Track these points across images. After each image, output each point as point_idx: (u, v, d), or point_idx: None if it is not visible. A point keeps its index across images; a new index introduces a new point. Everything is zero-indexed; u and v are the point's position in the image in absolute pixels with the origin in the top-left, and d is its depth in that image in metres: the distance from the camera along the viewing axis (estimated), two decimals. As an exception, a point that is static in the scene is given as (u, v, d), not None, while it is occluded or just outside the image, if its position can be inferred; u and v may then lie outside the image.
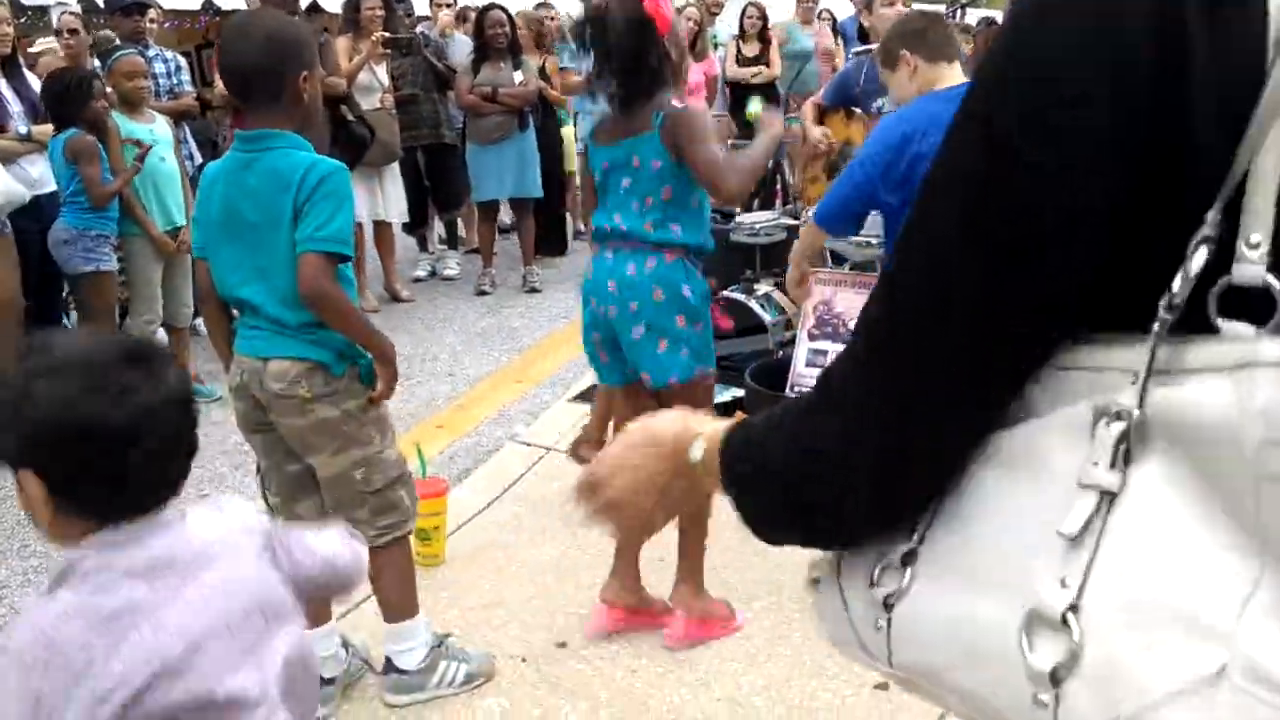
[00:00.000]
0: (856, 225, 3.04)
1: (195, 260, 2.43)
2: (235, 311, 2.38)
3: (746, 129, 7.97)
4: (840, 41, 8.44)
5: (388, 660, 2.52)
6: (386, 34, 6.07)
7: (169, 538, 1.19)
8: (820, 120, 4.59)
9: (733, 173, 2.49)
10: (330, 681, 2.50)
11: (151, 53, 5.53)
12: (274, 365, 2.25)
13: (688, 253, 2.56)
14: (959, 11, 7.47)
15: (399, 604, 2.50)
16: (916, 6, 4.22)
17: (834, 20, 8.99)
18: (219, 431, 4.53)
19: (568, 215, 8.10)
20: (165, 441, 1.17)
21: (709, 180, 2.48)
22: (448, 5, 7.32)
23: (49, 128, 4.58)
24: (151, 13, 5.75)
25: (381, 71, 6.23)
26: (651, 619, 2.77)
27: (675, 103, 2.49)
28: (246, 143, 2.24)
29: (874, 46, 4.27)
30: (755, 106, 2.77)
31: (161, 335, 4.95)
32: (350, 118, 5.66)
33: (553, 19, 7.53)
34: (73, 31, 5.28)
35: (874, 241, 3.99)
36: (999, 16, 11.84)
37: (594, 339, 2.69)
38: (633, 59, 2.48)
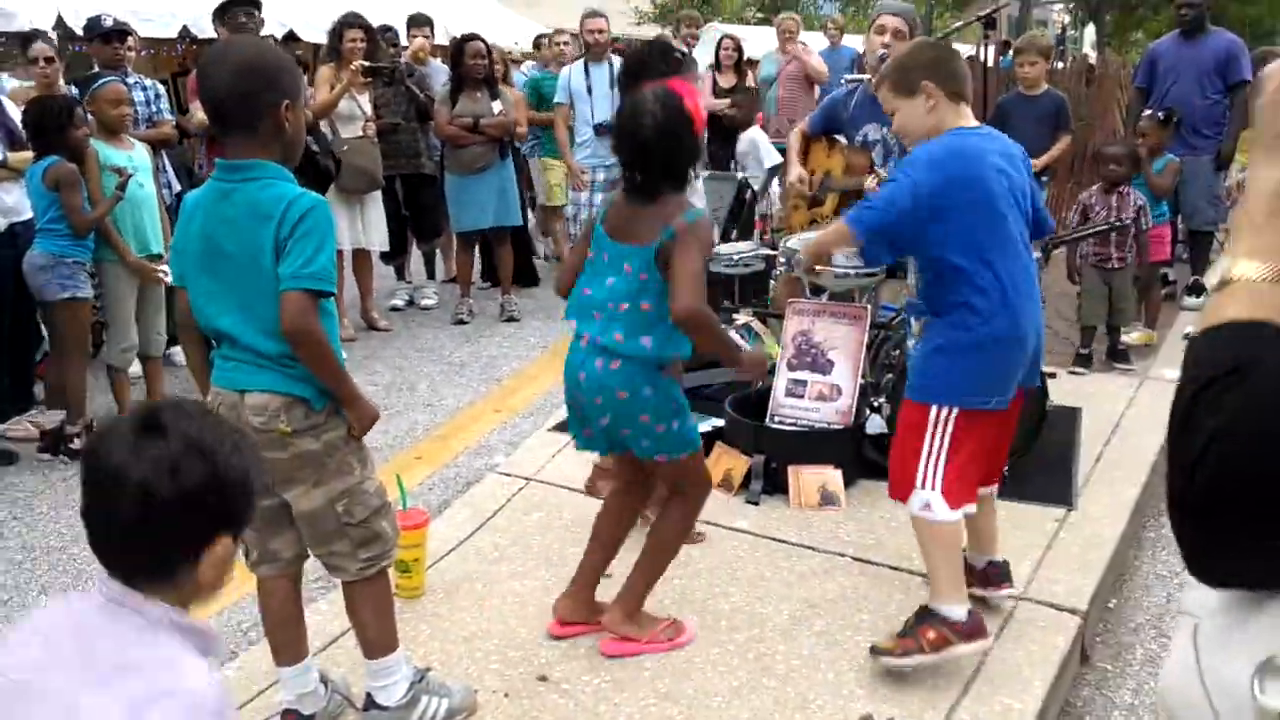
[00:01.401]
0: (893, 252, 2.78)
1: (175, 289, 2.40)
2: (214, 342, 2.36)
3: (719, 163, 8.06)
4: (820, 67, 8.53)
5: (368, 696, 2.49)
6: (365, 63, 6.09)
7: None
8: (806, 148, 4.61)
9: (700, 303, 2.43)
10: (310, 719, 2.47)
11: (131, 80, 5.51)
12: (253, 398, 2.22)
13: (652, 359, 2.57)
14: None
15: (379, 639, 2.47)
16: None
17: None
18: (194, 462, 4.49)
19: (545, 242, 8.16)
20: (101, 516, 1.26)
21: (678, 288, 2.44)
22: (424, 35, 7.35)
23: (27, 155, 4.55)
24: (130, 40, 5.74)
25: (364, 100, 6.24)
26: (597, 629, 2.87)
27: (699, 203, 2.55)
28: (226, 172, 2.21)
29: (863, 76, 4.30)
30: (769, 346, 2.84)
31: (136, 365, 4.90)
32: (315, 149, 5.61)
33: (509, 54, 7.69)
34: (49, 60, 5.25)
35: (852, 272, 4.02)
36: (968, 50, 12.00)
37: (575, 415, 2.75)
38: (663, 153, 2.50)
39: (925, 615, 2.64)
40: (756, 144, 7.24)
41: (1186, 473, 0.85)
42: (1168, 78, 6.44)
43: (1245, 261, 0.89)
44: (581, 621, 2.88)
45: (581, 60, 6.72)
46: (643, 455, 2.66)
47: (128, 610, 1.24)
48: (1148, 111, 5.99)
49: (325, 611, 2.98)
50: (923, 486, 2.62)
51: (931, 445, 2.61)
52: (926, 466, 2.62)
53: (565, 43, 7.77)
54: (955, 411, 2.59)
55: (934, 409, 2.61)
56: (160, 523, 1.22)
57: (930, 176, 2.51)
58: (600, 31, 6.60)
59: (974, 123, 2.68)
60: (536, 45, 9.95)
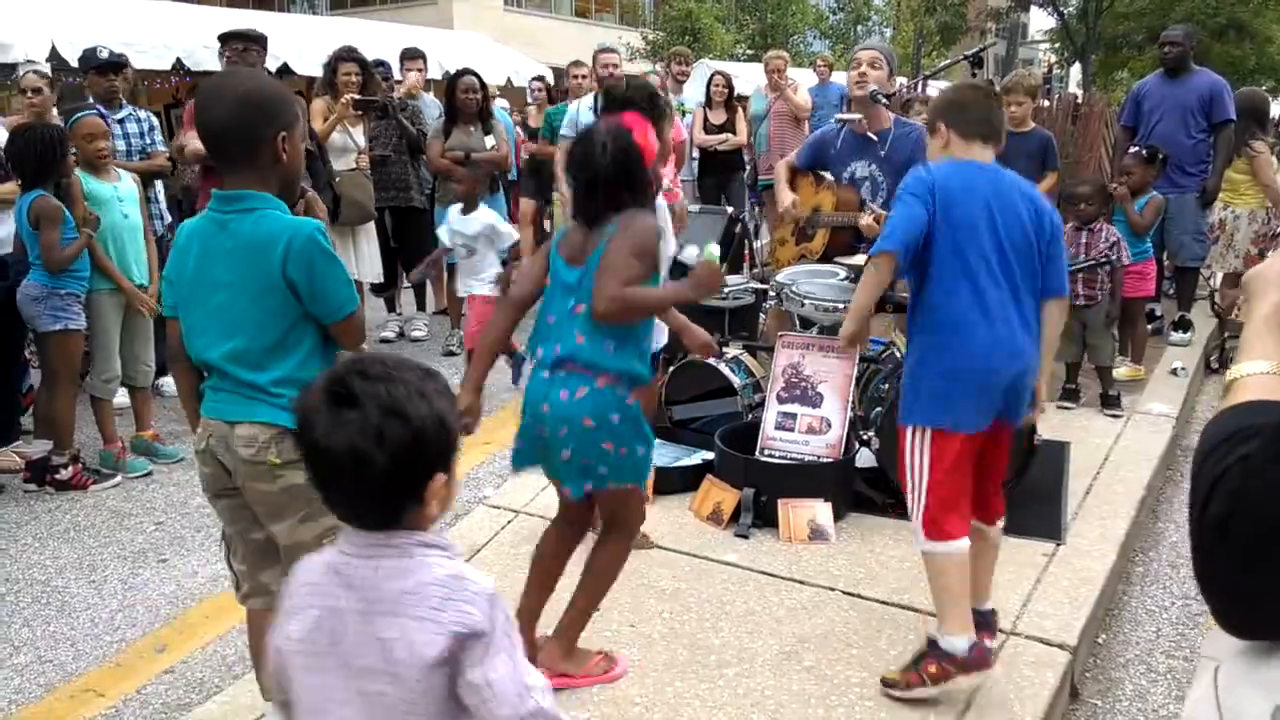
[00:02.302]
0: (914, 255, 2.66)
1: (167, 319, 2.38)
2: (204, 373, 2.35)
3: (709, 197, 8.11)
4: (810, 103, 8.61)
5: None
6: (356, 96, 6.13)
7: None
8: (792, 182, 4.63)
9: (620, 288, 2.45)
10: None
11: (125, 112, 5.53)
12: (242, 430, 2.21)
13: (619, 380, 2.56)
14: (921, 83, 7.66)
15: None
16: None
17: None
18: (180, 494, 4.46)
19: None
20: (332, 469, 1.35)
21: (599, 279, 2.46)
22: (418, 69, 7.41)
23: (12, 187, 4.54)
24: (125, 72, 5.77)
25: (358, 133, 6.28)
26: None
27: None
28: (222, 204, 2.22)
29: (854, 116, 4.33)
30: (712, 250, 2.73)
31: (123, 395, 4.88)
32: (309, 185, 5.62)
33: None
34: (36, 90, 5.27)
35: (840, 306, 4.04)
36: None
37: (530, 444, 2.67)
38: (613, 183, 2.56)
39: (930, 648, 2.68)
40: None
41: (1198, 518, 0.93)
42: (1152, 117, 6.53)
43: (1250, 362, 1.07)
44: None
45: (592, 95, 6.76)
46: (597, 485, 2.60)
47: (382, 549, 1.38)
48: (1132, 149, 6.06)
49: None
50: (913, 519, 2.70)
51: (913, 473, 2.68)
52: (913, 498, 2.69)
53: (584, 76, 7.74)
54: (928, 432, 2.65)
55: (909, 431, 2.70)
56: (380, 482, 1.33)
57: (923, 185, 2.62)
58: (614, 66, 6.55)
59: (984, 159, 2.72)
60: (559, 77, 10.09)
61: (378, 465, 1.31)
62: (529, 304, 2.75)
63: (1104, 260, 5.04)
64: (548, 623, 2.83)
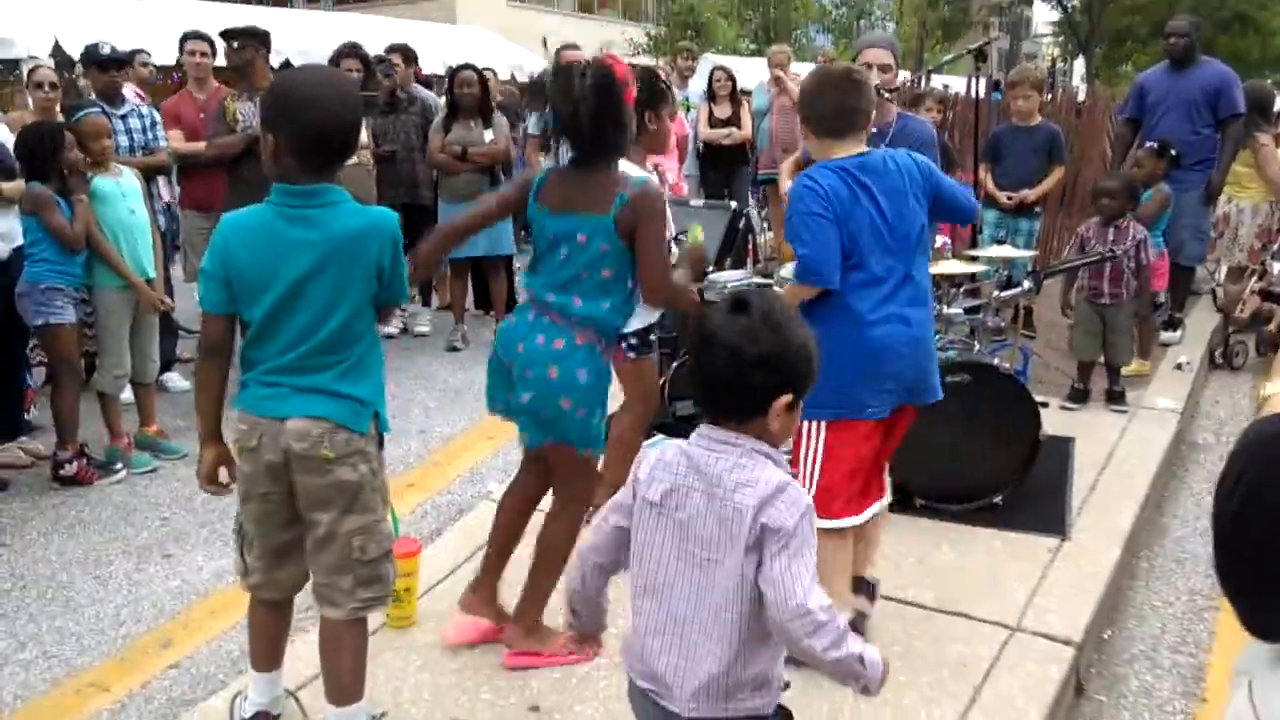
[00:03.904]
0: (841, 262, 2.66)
1: (205, 316, 2.30)
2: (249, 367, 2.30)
3: (714, 191, 8.09)
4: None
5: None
6: (353, 92, 6.11)
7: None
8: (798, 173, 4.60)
9: (669, 278, 2.56)
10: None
11: (127, 108, 5.53)
12: (295, 424, 2.21)
13: (599, 335, 2.59)
14: (924, 78, 7.64)
15: (353, 684, 2.40)
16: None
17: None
18: (185, 490, 4.46)
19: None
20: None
21: (649, 273, 2.54)
22: (402, 64, 7.37)
23: (19, 184, 4.54)
24: (128, 68, 5.76)
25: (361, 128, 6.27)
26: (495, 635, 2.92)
27: (639, 172, 2.55)
28: (297, 198, 2.19)
29: None
30: (698, 235, 2.84)
31: (128, 392, 4.88)
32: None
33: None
34: (54, 86, 5.27)
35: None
36: (959, 80, 12.12)
37: (499, 379, 2.72)
38: (597, 121, 2.47)
39: None
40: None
41: (1222, 510, 0.97)
42: (1156, 110, 6.32)
43: None
44: (481, 616, 2.94)
45: None
46: (558, 440, 2.65)
47: (728, 446, 1.64)
48: (1149, 144, 5.93)
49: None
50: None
51: (805, 458, 2.70)
52: (800, 478, 2.69)
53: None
54: (822, 425, 2.66)
55: (803, 425, 2.66)
56: (741, 376, 1.60)
57: (822, 202, 2.57)
58: None
59: (852, 151, 2.64)
60: None
61: (744, 359, 1.58)
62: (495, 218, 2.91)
63: (1110, 254, 5.00)
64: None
